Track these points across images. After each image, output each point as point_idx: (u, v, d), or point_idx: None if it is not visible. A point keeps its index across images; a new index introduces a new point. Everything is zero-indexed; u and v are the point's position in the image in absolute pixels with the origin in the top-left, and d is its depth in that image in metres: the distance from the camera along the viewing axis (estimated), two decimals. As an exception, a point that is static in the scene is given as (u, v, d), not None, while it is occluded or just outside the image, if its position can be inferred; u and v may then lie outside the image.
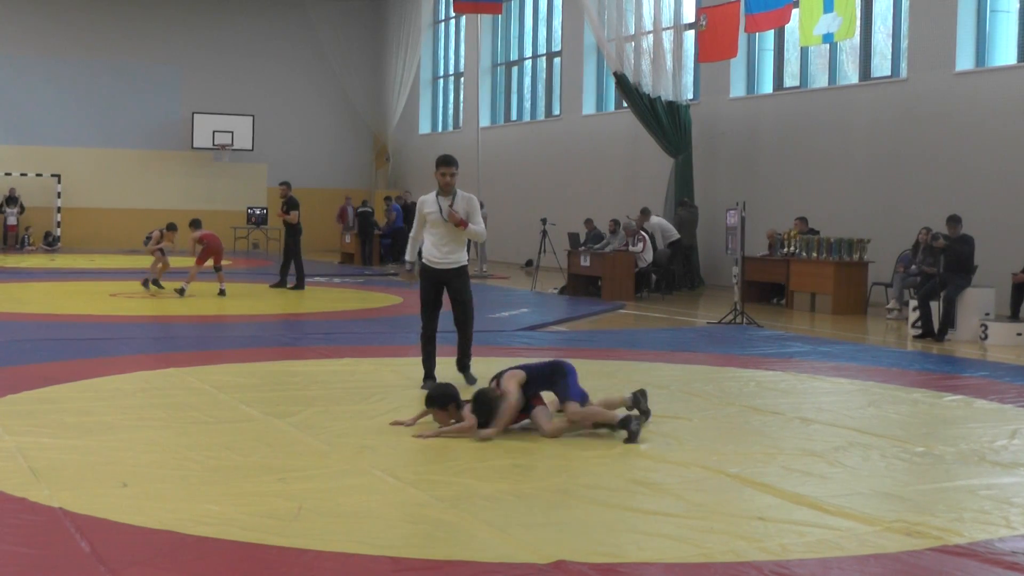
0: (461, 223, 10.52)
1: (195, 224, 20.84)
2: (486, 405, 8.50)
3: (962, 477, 7.48)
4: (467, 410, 8.54)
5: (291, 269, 22.19)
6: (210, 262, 20.35)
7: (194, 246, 20.47)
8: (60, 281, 23.26)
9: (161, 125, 39.44)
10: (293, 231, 22.17)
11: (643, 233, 22.58)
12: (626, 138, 28.31)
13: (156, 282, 20.93)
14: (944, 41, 20.32)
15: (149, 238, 21.18)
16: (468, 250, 11.30)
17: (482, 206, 29.60)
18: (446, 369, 10.95)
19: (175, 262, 21.80)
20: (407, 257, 11.03)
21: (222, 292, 20.18)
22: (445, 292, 10.88)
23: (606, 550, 5.68)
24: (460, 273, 10.79)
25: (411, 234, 10.98)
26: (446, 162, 10.58)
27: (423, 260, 10.80)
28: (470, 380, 10.77)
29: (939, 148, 20.37)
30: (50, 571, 5.31)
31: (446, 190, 10.62)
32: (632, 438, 8.36)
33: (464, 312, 10.88)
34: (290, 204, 22.05)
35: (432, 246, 10.71)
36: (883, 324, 18.16)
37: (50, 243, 36.31)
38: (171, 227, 21.02)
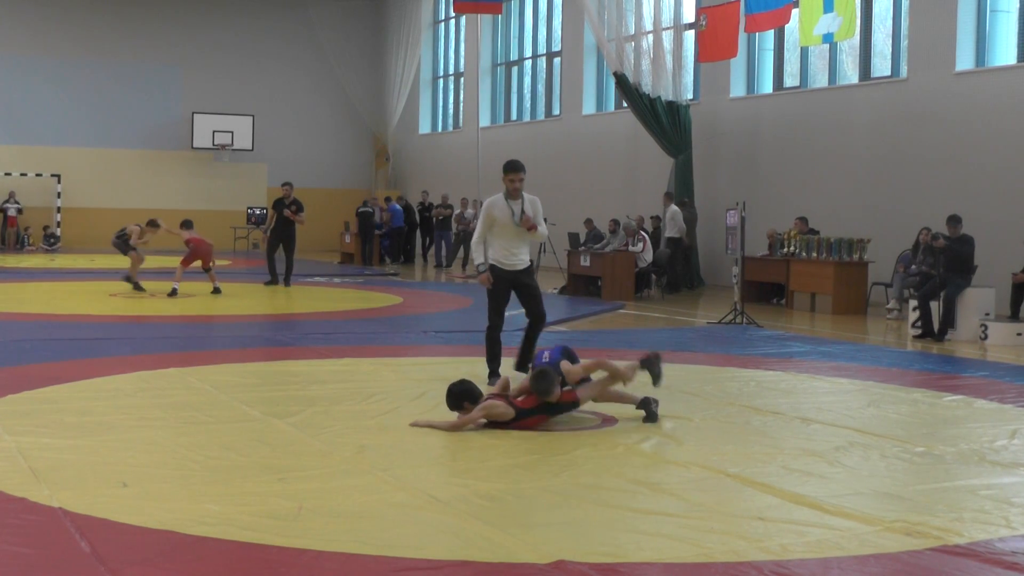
0: (533, 227, 10.72)
1: (187, 224, 20.79)
2: (539, 379, 8.73)
3: (962, 477, 7.48)
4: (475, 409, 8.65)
5: (275, 266, 22.80)
6: (198, 263, 20.40)
7: (185, 241, 20.50)
8: (60, 281, 23.26)
9: (161, 125, 39.47)
10: (294, 230, 22.71)
11: (643, 233, 22.60)
12: (626, 138, 28.32)
13: (129, 279, 20.61)
14: (944, 41, 20.33)
15: (123, 234, 20.64)
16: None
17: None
18: (478, 370, 10.94)
19: (160, 261, 21.99)
20: (478, 260, 11.01)
21: (216, 290, 20.22)
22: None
23: (606, 550, 5.68)
24: (530, 271, 11.06)
25: (475, 238, 11.08)
26: (515, 168, 10.83)
27: (491, 263, 10.89)
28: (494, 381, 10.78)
29: (939, 148, 20.38)
30: (50, 571, 5.30)
31: (515, 194, 10.80)
32: (651, 418, 9.07)
33: (540, 306, 11.06)
34: (298, 205, 22.54)
35: (501, 249, 10.87)
36: (883, 324, 18.16)
37: (51, 243, 36.29)
38: (152, 223, 20.82)
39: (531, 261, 11.13)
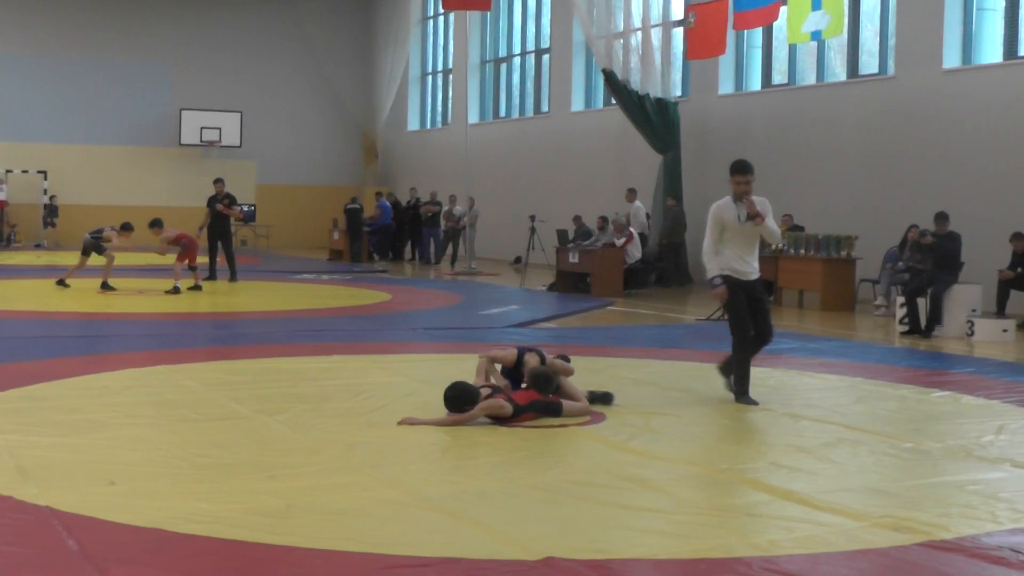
0: (759, 216, 9.71)
1: (158, 223, 20.52)
2: (545, 382, 8.93)
3: (949, 473, 7.50)
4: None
5: (216, 263, 22.96)
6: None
7: (166, 246, 20.35)
8: (47, 278, 23.19)
9: (149, 121, 39.39)
10: (228, 225, 23.02)
11: (630, 229, 22.59)
12: (615, 135, 28.33)
13: (62, 280, 20.39)
14: (931, 39, 20.37)
15: (99, 235, 20.30)
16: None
17: (473, 204, 29.84)
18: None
19: (147, 259, 22.06)
20: (712, 272, 9.93)
21: (198, 287, 20.16)
22: None
23: (596, 546, 5.69)
24: (758, 283, 10.07)
25: (706, 247, 10.06)
26: (741, 169, 9.95)
27: (725, 272, 9.85)
28: (750, 401, 9.94)
29: (926, 145, 20.42)
30: (37, 570, 5.29)
31: (742, 197, 9.86)
32: (605, 399, 9.48)
33: (768, 322, 10.12)
34: (231, 199, 22.87)
35: (733, 256, 9.87)
36: (871, 320, 18.19)
37: (51, 220, 36.13)
38: (126, 227, 20.67)
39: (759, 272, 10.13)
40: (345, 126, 41.85)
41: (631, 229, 22.69)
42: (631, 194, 25.06)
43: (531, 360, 9.25)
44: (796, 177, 23.17)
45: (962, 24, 20.29)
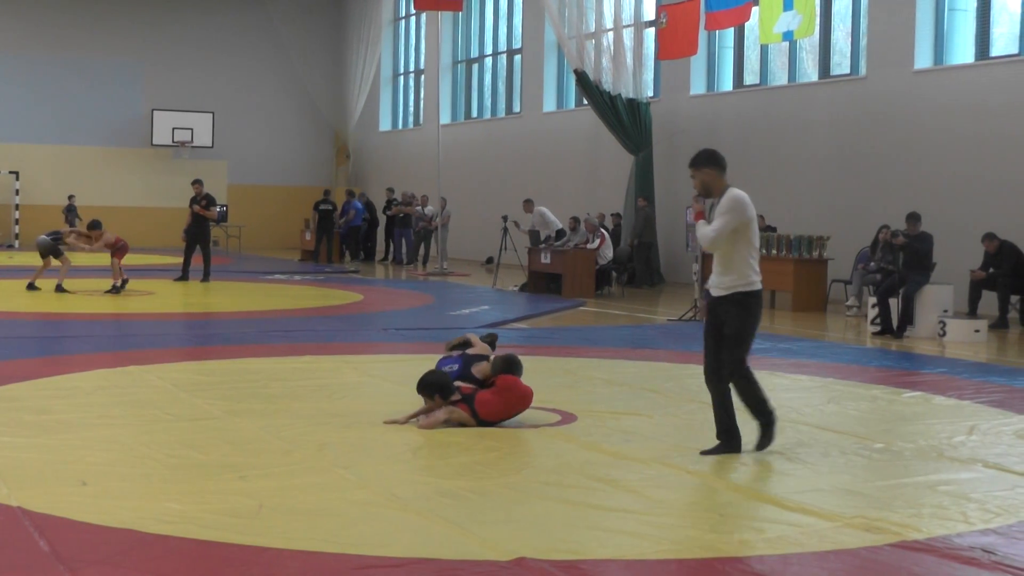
0: (696, 214, 8.04)
1: (98, 225, 20.39)
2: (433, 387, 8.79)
3: (920, 473, 7.54)
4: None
5: (189, 264, 22.93)
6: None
7: (102, 246, 20.11)
8: (18, 279, 23.06)
9: (121, 122, 39.17)
10: (207, 226, 23.00)
11: (602, 230, 22.62)
12: (587, 135, 28.35)
13: (60, 286, 19.84)
14: (903, 39, 20.46)
15: (58, 236, 20.12)
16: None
17: (445, 204, 29.69)
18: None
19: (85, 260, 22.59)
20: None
21: (115, 288, 19.87)
22: None
23: (567, 547, 5.69)
24: (725, 302, 8.05)
25: None
26: (689, 163, 8.13)
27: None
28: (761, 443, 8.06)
29: (898, 146, 20.51)
30: (8, 571, 5.26)
31: (704, 194, 8.02)
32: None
33: (728, 352, 8.23)
34: (209, 200, 22.88)
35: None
36: (842, 321, 18.26)
37: (70, 217, 35.92)
38: (94, 225, 20.55)
39: (741, 289, 8.01)
40: (317, 126, 41.75)
41: (602, 229, 22.72)
42: (528, 204, 25.46)
43: (483, 367, 9.17)
44: (768, 178, 23.21)
45: (934, 25, 20.39)
